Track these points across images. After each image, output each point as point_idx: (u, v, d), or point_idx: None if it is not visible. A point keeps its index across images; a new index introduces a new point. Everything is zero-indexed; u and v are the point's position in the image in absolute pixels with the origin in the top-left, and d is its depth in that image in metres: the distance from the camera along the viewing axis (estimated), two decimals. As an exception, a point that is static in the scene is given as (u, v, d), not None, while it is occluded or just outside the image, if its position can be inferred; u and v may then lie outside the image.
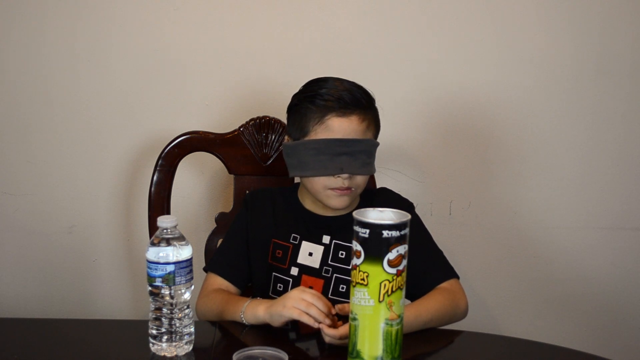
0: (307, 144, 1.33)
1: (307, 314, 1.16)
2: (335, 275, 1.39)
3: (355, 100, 1.33)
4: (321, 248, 1.40)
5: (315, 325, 1.16)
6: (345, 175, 1.32)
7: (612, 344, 1.99)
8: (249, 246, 1.43)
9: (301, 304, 1.17)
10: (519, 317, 1.97)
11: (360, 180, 1.36)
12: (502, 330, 1.96)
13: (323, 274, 1.39)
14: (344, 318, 1.17)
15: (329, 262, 1.40)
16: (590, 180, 1.91)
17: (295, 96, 1.41)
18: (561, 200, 1.92)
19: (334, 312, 1.18)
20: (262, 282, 1.42)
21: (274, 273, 1.41)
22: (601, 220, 1.93)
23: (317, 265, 1.40)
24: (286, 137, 1.43)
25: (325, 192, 1.35)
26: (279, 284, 1.41)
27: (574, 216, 1.93)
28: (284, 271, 1.40)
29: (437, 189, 1.89)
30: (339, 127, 1.32)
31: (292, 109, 1.41)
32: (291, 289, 1.39)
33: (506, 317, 1.97)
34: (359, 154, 1.32)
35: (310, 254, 1.40)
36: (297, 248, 1.41)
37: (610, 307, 1.98)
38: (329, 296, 1.38)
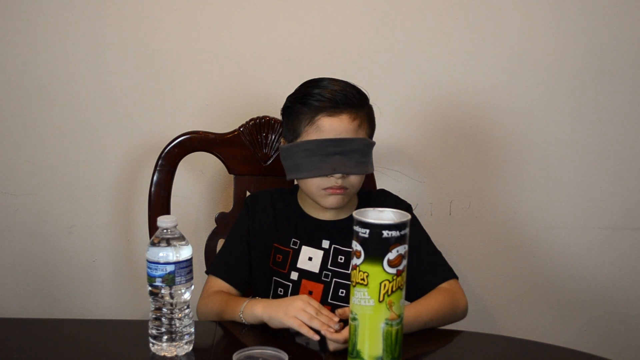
0: (299, 146, 1.33)
1: (308, 326, 1.16)
2: (334, 279, 1.39)
3: (346, 99, 1.32)
4: (321, 253, 1.40)
5: (316, 337, 1.15)
6: (339, 175, 1.32)
7: (612, 344, 1.99)
8: (251, 250, 1.43)
9: (304, 316, 1.17)
10: (519, 317, 1.97)
11: (355, 179, 1.35)
12: (502, 330, 1.96)
13: (323, 278, 1.39)
14: (346, 322, 1.16)
15: (329, 266, 1.39)
16: (590, 180, 1.91)
17: (288, 98, 1.41)
18: (561, 200, 1.92)
19: (336, 326, 1.16)
20: (262, 286, 1.42)
21: (274, 277, 1.41)
22: (601, 220, 1.93)
23: (316, 269, 1.40)
24: (282, 140, 1.43)
25: (320, 192, 1.35)
26: (279, 289, 1.41)
27: (574, 216, 1.93)
28: (284, 276, 1.40)
29: (437, 189, 1.90)
30: (329, 126, 1.31)
31: (285, 110, 1.41)
32: (291, 293, 1.39)
33: (506, 317, 1.97)
34: (352, 153, 1.31)
35: (310, 259, 1.40)
36: (297, 253, 1.41)
37: (611, 307, 1.98)
38: (329, 300, 1.39)
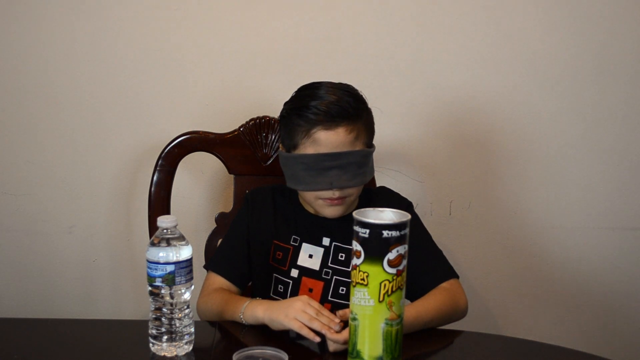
0: (296, 159, 1.33)
1: (309, 327, 1.16)
2: (335, 277, 1.39)
3: (342, 111, 1.30)
4: (321, 250, 1.40)
5: (317, 339, 1.15)
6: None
7: (612, 344, 1.99)
8: (250, 246, 1.43)
9: (304, 317, 1.17)
10: (519, 317, 1.97)
11: (353, 190, 1.35)
12: (502, 330, 1.96)
13: (323, 276, 1.39)
14: (347, 323, 1.16)
15: (329, 264, 1.40)
16: (590, 181, 1.91)
17: (285, 105, 1.40)
18: (561, 200, 1.92)
19: (336, 327, 1.15)
20: (262, 283, 1.42)
21: (274, 274, 1.41)
22: (601, 220, 1.93)
23: (317, 267, 1.40)
24: (280, 145, 1.42)
25: (317, 202, 1.36)
26: (279, 285, 1.41)
27: (574, 216, 1.93)
28: (284, 273, 1.40)
29: (437, 189, 1.89)
30: (326, 140, 1.31)
31: (282, 119, 1.40)
32: (291, 290, 1.39)
33: (506, 317, 1.97)
34: (349, 166, 1.31)
35: (310, 256, 1.40)
36: (297, 250, 1.41)
37: (611, 307, 1.98)
38: (329, 298, 1.39)
